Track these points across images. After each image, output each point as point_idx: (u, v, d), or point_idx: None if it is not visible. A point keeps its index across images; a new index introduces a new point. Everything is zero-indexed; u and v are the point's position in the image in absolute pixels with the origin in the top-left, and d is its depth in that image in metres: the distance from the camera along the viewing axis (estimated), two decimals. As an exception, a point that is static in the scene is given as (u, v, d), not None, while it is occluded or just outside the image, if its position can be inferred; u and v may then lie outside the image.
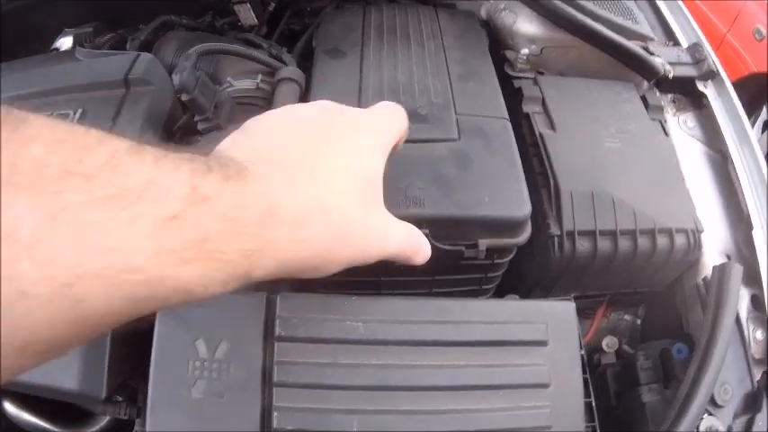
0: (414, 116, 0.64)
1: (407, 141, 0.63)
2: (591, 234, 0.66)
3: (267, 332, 0.56)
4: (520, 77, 0.79)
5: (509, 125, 0.67)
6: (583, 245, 0.66)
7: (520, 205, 0.60)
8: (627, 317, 0.84)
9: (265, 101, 0.72)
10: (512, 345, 0.58)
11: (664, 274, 0.75)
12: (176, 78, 0.64)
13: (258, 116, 0.42)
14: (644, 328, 0.83)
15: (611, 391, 0.77)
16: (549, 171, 0.67)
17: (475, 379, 0.56)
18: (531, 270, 0.70)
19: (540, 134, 0.70)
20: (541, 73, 0.82)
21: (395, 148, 0.48)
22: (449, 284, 0.68)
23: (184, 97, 0.64)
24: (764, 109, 0.79)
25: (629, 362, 0.75)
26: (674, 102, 0.86)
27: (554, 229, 0.65)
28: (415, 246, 0.49)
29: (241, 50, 0.70)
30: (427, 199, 0.58)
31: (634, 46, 0.81)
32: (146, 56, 0.72)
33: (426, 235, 0.58)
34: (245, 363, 0.56)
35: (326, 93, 0.68)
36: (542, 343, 0.59)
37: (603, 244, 0.67)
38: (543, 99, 0.74)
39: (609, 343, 0.76)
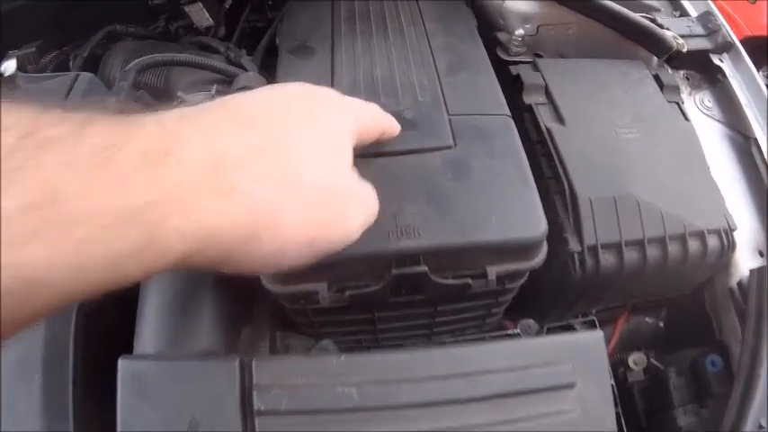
0: (399, 121, 0.50)
1: (394, 154, 0.50)
2: (615, 246, 0.53)
3: (245, 405, 0.43)
4: (516, 62, 0.65)
5: (511, 122, 0.53)
6: (607, 259, 0.53)
7: (534, 223, 0.46)
8: (648, 320, 0.72)
9: None
10: (536, 393, 0.46)
11: (693, 278, 0.62)
12: (111, 102, 0.49)
13: None
14: (668, 331, 0.71)
15: (639, 409, 0.65)
16: (562, 174, 0.54)
17: (495, 440, 0.44)
18: (548, 288, 0.58)
19: (548, 129, 0.57)
20: (539, 56, 0.68)
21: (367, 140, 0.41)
22: (452, 313, 0.55)
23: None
24: (760, 73, 0.69)
25: (660, 379, 0.63)
26: (687, 79, 0.73)
27: (573, 245, 0.52)
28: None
29: (189, 59, 0.55)
30: (423, 226, 0.45)
31: (641, 19, 0.67)
32: (84, 76, 0.57)
33: (424, 274, 0.45)
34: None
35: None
36: (570, 386, 0.47)
37: (630, 255, 0.54)
38: (546, 86, 0.60)
39: (636, 360, 0.64)
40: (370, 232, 0.44)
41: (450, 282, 0.46)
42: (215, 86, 0.58)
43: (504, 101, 0.55)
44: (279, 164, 0.29)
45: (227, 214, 0.26)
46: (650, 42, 0.68)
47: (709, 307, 0.66)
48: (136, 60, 0.53)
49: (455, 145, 0.49)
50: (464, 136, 0.50)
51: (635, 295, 0.62)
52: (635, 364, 0.63)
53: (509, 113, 0.54)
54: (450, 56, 0.58)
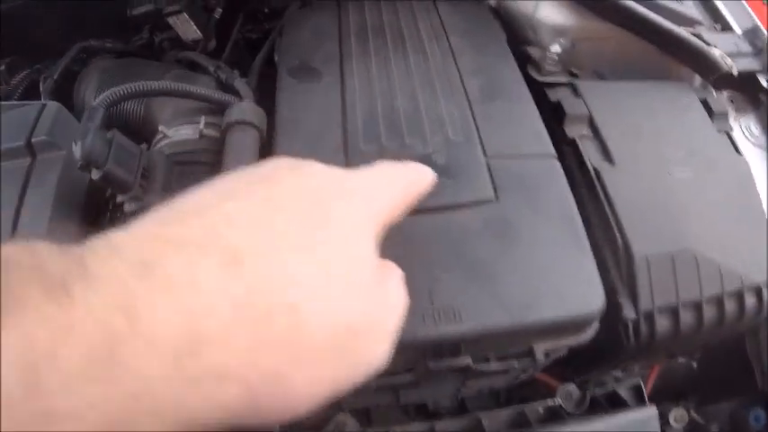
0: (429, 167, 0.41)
1: (426, 211, 0.40)
2: (671, 309, 0.46)
3: None
4: (552, 84, 0.56)
5: (558, 166, 0.44)
6: (662, 324, 0.46)
7: (592, 297, 0.38)
8: (681, 359, 0.65)
9: (214, 154, 0.46)
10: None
11: (741, 329, 0.55)
12: (77, 150, 0.39)
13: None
14: (702, 374, 0.64)
15: (676, 469, 0.59)
16: (614, 226, 0.45)
17: None
18: (592, 353, 0.50)
19: (596, 170, 0.48)
20: (574, 75, 0.59)
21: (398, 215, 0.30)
22: (485, 377, 0.47)
23: (94, 175, 0.40)
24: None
25: (701, 439, 0.57)
26: (731, 102, 0.65)
27: (628, 312, 0.44)
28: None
29: (168, 88, 0.44)
30: (464, 305, 0.36)
31: (688, 35, 0.59)
32: (51, 107, 0.47)
33: (467, 368, 0.36)
34: None
35: (295, 138, 0.44)
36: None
37: (686, 317, 0.46)
38: (591, 117, 0.51)
39: (677, 417, 0.57)
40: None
41: (494, 367, 0.38)
42: (203, 119, 0.47)
43: (548, 138, 0.46)
44: (277, 319, 0.19)
45: (215, 400, 0.18)
46: (697, 62, 0.59)
47: (752, 355, 0.60)
48: (103, 95, 0.42)
49: (497, 198, 0.40)
50: (506, 186, 0.41)
51: (680, 351, 0.55)
52: (676, 421, 0.57)
53: (554, 153, 0.45)
54: (481, 79, 0.49)
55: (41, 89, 0.58)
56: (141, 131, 0.49)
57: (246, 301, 0.19)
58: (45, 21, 0.66)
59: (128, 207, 0.42)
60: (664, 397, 0.62)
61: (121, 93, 0.42)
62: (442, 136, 0.43)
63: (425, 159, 0.41)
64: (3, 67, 0.62)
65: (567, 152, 0.50)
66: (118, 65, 0.57)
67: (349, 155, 0.42)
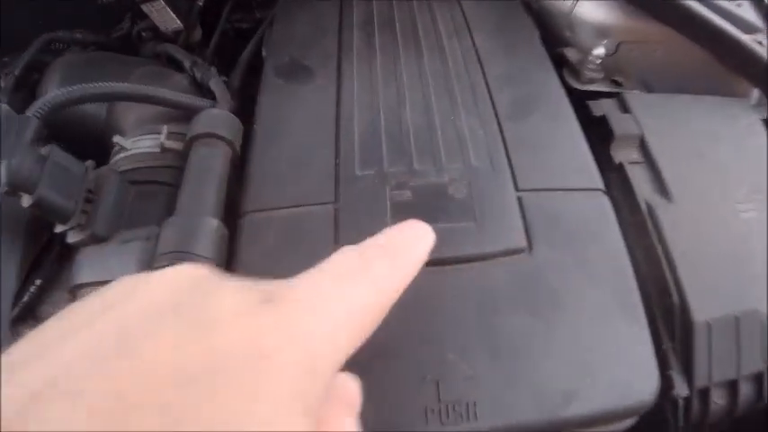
0: (443, 203, 0.32)
1: (436, 263, 0.31)
2: (730, 384, 0.37)
3: None
4: (593, 93, 0.46)
5: (608, 204, 0.35)
6: (717, 402, 0.37)
7: (644, 383, 0.30)
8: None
9: (175, 172, 0.36)
10: None
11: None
12: (2, 171, 0.30)
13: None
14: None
15: None
16: (671, 282, 0.36)
17: None
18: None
19: (649, 206, 0.38)
20: (618, 84, 0.49)
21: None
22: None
23: (24, 201, 0.31)
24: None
25: None
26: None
27: (680, 389, 0.35)
28: None
29: (121, 91, 0.34)
30: (481, 398, 0.27)
31: (752, 43, 0.49)
32: (2, 109, 0.37)
33: None
34: None
35: (275, 156, 0.34)
36: None
37: (745, 392, 0.38)
38: (643, 138, 0.42)
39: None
40: (396, 409, 0.27)
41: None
42: (165, 129, 0.37)
43: (594, 166, 0.37)
44: None
45: None
46: (759, 76, 0.49)
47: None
48: (37, 102, 0.33)
49: (530, 248, 0.31)
50: (542, 231, 0.32)
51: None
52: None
53: (603, 187, 0.36)
54: (513, 89, 0.39)
55: (1, 86, 0.48)
56: (104, 140, 0.40)
57: None
58: (16, 10, 0.57)
59: (71, 238, 0.33)
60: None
61: (60, 99, 0.33)
62: (463, 161, 0.34)
63: (440, 192, 0.32)
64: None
65: (613, 180, 0.41)
66: (85, 60, 0.47)
67: (340, 182, 0.33)
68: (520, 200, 0.33)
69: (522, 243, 0.31)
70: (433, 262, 0.30)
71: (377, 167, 0.33)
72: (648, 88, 0.52)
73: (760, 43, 0.52)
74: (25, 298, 0.35)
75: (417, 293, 0.30)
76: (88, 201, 0.33)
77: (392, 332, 0.28)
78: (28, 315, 0.37)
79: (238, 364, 0.13)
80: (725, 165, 0.43)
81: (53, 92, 0.34)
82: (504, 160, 0.35)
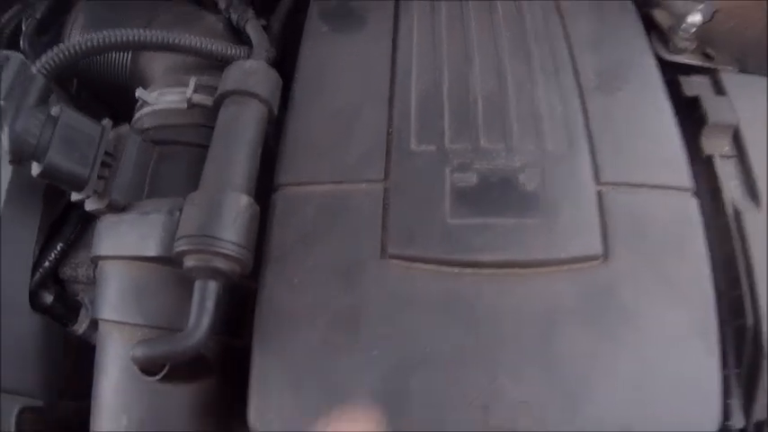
0: (511, 195, 0.25)
1: (500, 266, 0.25)
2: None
3: None
4: (684, 67, 0.36)
5: (696, 208, 0.28)
6: (772, 433, 0.31)
7: (705, 417, 0.24)
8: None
9: (204, 131, 0.29)
10: None
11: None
12: (4, 137, 0.24)
13: None
14: None
15: None
16: (749, 299, 0.29)
17: None
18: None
19: (736, 211, 0.31)
20: (710, 57, 0.40)
21: None
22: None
23: (34, 170, 0.25)
24: None
25: None
26: None
27: (736, 421, 0.29)
28: None
29: (141, 37, 0.27)
30: (531, 424, 0.22)
31: None
32: (13, 61, 0.28)
33: None
34: None
35: (316, 117, 0.27)
36: None
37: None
38: (738, 129, 0.33)
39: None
40: (439, 422, 0.22)
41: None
42: (193, 80, 0.30)
43: (685, 159, 0.29)
44: None
45: None
46: None
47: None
48: (45, 56, 0.26)
49: (605, 255, 0.24)
50: (621, 235, 0.25)
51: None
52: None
53: (693, 186, 0.28)
54: (599, 54, 0.30)
55: (23, 33, 0.40)
56: (131, 91, 0.32)
57: None
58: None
59: (88, 207, 0.27)
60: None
61: (70, 52, 0.26)
62: (538, 142, 0.26)
63: (509, 179, 0.25)
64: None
65: (699, 173, 0.33)
66: (108, 3, 0.39)
67: (392, 157, 0.26)
68: (599, 195, 0.26)
69: (598, 250, 0.25)
70: (494, 264, 0.24)
71: (437, 142, 0.26)
72: (742, 68, 0.42)
73: None
74: (46, 263, 0.31)
75: (471, 301, 0.24)
76: (105, 165, 0.26)
77: (438, 345, 0.23)
78: (49, 280, 0.32)
79: None
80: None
81: (61, 44, 0.27)
82: (586, 145, 0.27)
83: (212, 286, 0.23)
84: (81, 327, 0.33)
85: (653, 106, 0.30)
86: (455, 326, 0.23)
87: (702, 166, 0.34)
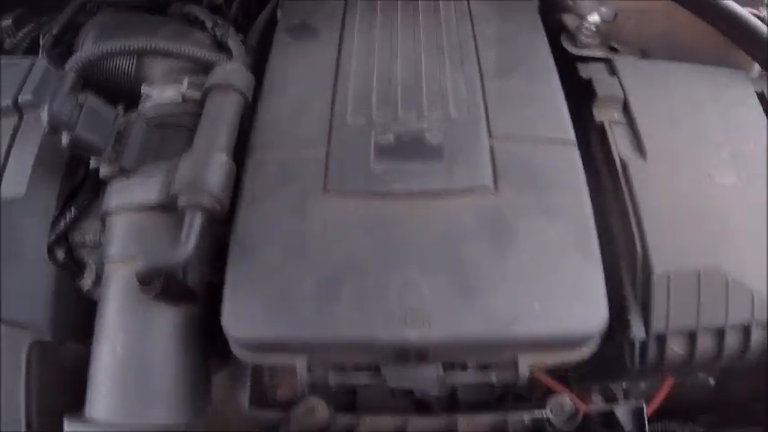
0: (419, 148, 0.32)
1: (407, 196, 0.32)
2: (688, 333, 0.36)
3: None
4: (586, 58, 0.44)
5: (576, 155, 0.34)
6: (674, 349, 0.36)
7: (592, 315, 0.30)
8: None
9: (195, 118, 0.37)
10: None
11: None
12: (44, 114, 0.33)
13: None
14: (719, 394, 0.54)
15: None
16: (635, 233, 0.35)
17: None
18: (592, 369, 0.41)
19: (623, 162, 0.37)
20: (614, 50, 0.47)
21: None
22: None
23: (64, 139, 0.34)
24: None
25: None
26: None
27: (637, 331, 0.34)
28: None
29: (143, 45, 0.37)
30: (437, 310, 0.28)
31: (748, 15, 0.45)
32: (38, 66, 0.41)
33: (430, 376, 0.29)
34: None
35: (279, 103, 0.36)
36: None
37: (704, 344, 0.36)
38: (626, 100, 0.40)
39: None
40: (361, 313, 0.28)
41: (469, 379, 0.30)
42: (186, 80, 0.39)
43: (569, 121, 0.36)
44: None
45: None
46: (757, 47, 0.45)
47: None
48: (73, 57, 0.36)
49: (496, 187, 0.31)
50: (510, 174, 0.32)
51: (694, 374, 0.45)
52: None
53: (574, 140, 0.35)
54: (501, 50, 0.38)
55: (41, 44, 0.51)
56: (133, 91, 0.42)
57: None
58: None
59: (102, 171, 0.36)
60: (671, 415, 0.52)
61: (94, 54, 0.36)
62: (442, 111, 0.34)
63: (418, 137, 0.32)
64: (10, 21, 0.55)
65: (594, 139, 0.40)
66: (116, 20, 0.50)
67: (333, 127, 0.34)
68: (492, 147, 0.33)
69: (489, 182, 0.31)
70: (403, 195, 0.31)
71: (366, 115, 0.34)
72: (646, 57, 0.49)
73: (762, 18, 0.48)
74: (62, 224, 0.38)
75: (390, 222, 0.30)
76: (118, 140, 0.35)
77: (365, 255, 0.29)
78: (62, 240, 0.39)
79: None
80: (705, 131, 0.41)
81: (87, 48, 0.36)
82: (482, 112, 0.34)
83: (198, 217, 0.30)
84: (86, 283, 0.38)
85: (543, 84, 0.37)
86: (377, 241, 0.30)
87: (596, 132, 0.41)
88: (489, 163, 0.32)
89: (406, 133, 0.33)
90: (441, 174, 0.31)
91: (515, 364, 0.31)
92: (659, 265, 0.34)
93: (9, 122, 0.39)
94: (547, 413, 0.38)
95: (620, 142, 0.39)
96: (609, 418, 0.41)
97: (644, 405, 0.39)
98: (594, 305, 0.30)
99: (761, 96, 0.46)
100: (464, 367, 0.31)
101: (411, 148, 0.32)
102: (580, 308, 0.29)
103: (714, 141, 0.41)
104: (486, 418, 0.38)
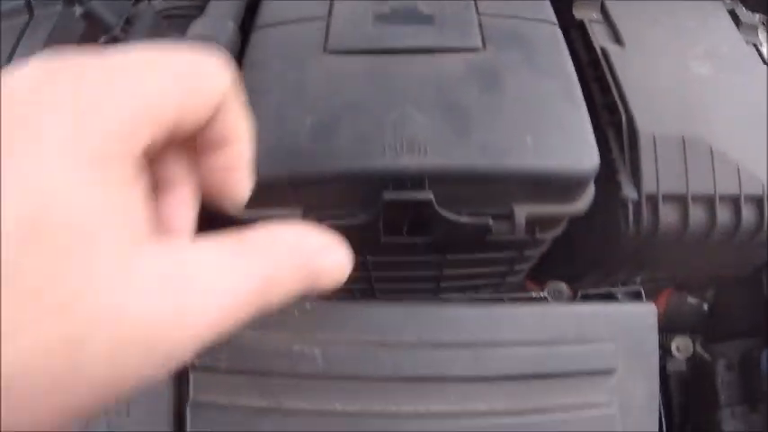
0: (413, 15, 0.34)
1: (401, 51, 0.34)
2: (680, 199, 0.36)
3: None
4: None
5: (558, 32, 0.36)
6: (668, 214, 0.36)
7: (583, 153, 0.30)
8: (691, 300, 0.54)
9: (201, 9, 0.39)
10: (563, 377, 0.30)
11: (760, 254, 0.45)
12: None
13: None
14: (713, 317, 0.54)
15: (674, 403, 0.49)
16: (618, 102, 0.37)
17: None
18: (587, 246, 0.41)
19: (603, 49, 0.39)
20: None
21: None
22: (465, 266, 0.39)
23: (77, 11, 0.36)
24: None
25: (705, 372, 0.46)
26: (763, 24, 0.54)
27: (628, 191, 0.35)
28: (296, 264, 0.14)
29: None
30: (432, 140, 0.29)
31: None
32: None
33: (428, 204, 0.29)
34: (149, 401, 0.29)
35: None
36: (609, 371, 0.31)
37: (696, 214, 0.37)
38: (603, 2, 0.43)
39: (680, 346, 0.47)
40: (358, 145, 0.29)
41: (465, 220, 0.30)
42: None
43: (550, 7, 0.38)
44: None
45: None
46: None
47: (769, 293, 0.49)
48: None
49: (484, 47, 0.33)
50: (497, 39, 0.34)
51: (690, 267, 0.45)
52: (678, 350, 0.47)
53: (555, 21, 0.37)
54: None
55: None
56: None
57: None
58: None
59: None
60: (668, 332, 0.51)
61: None
62: (435, -7, 0.36)
63: (411, 7, 0.35)
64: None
65: (576, 37, 0.42)
66: None
67: (334, 2, 0.36)
68: (480, 19, 0.35)
69: (478, 43, 0.33)
70: (399, 50, 0.33)
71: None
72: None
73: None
74: None
75: (386, 72, 0.32)
76: (128, 22, 0.37)
77: (360, 97, 0.31)
78: None
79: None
80: (681, 31, 0.44)
81: None
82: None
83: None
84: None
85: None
86: (375, 87, 0.31)
87: (578, 30, 0.43)
88: (478, 31, 0.34)
89: (401, 5, 0.35)
90: (433, 35, 0.33)
91: (512, 212, 0.31)
92: (644, 128, 0.36)
93: (20, 20, 0.42)
94: (545, 295, 0.38)
95: (599, 36, 0.41)
96: (608, 299, 0.40)
97: (641, 288, 0.39)
98: (586, 147, 0.30)
99: (731, 13, 0.49)
100: (459, 212, 0.31)
101: (406, 15, 0.34)
102: (572, 147, 0.30)
103: (690, 39, 0.43)
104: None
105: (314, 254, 0.15)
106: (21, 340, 0.10)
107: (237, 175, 0.16)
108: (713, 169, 0.37)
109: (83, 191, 0.12)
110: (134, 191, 0.13)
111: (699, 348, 0.47)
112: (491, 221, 0.31)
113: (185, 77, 0.14)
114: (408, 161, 0.28)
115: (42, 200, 0.11)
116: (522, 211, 0.31)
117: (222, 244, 0.13)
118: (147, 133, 0.13)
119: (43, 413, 0.11)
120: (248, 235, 0.14)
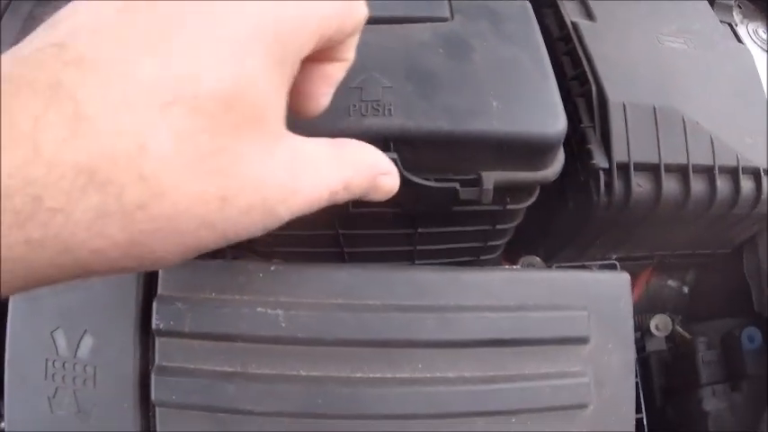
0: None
1: (370, 22, 0.33)
2: (652, 169, 0.36)
3: (143, 322, 0.29)
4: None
5: (529, 7, 0.36)
6: (640, 184, 0.36)
7: (550, 117, 0.30)
8: (671, 282, 0.54)
9: None
10: (533, 343, 0.30)
11: (738, 231, 0.44)
12: None
13: None
14: (694, 299, 0.53)
15: (655, 386, 0.48)
16: (589, 73, 0.37)
17: (471, 401, 0.28)
18: (561, 221, 0.41)
19: (573, 24, 0.39)
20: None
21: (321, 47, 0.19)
22: (437, 241, 0.38)
23: None
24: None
25: (686, 351, 0.45)
26: (739, 7, 0.54)
27: (599, 160, 0.35)
28: (366, 175, 0.20)
29: None
30: (397, 103, 0.28)
31: None
32: None
33: (394, 161, 0.29)
34: (114, 367, 0.28)
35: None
36: (582, 340, 0.31)
37: (670, 185, 0.37)
38: (574, -18, 0.43)
39: (660, 324, 0.46)
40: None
41: (431, 184, 0.30)
42: None
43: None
44: (128, 189, 0.13)
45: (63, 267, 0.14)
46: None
47: (749, 272, 0.48)
48: None
49: (452, 18, 0.33)
50: (465, 11, 0.34)
51: (667, 244, 0.44)
52: (657, 329, 0.46)
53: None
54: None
55: None
56: None
57: (89, 168, 0.13)
58: None
59: None
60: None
61: None
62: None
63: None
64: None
65: (547, 14, 0.42)
66: None
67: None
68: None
69: (445, 13, 0.33)
70: (372, 20, 0.33)
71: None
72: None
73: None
74: None
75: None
76: None
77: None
78: None
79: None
80: (654, 9, 0.44)
81: None
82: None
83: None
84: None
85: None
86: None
87: (551, 9, 0.43)
88: (447, 3, 0.34)
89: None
90: (402, 6, 0.33)
91: (479, 179, 0.31)
92: (614, 97, 0.35)
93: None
94: (516, 268, 0.38)
95: (571, 12, 0.41)
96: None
97: (617, 262, 0.39)
98: (552, 111, 0.30)
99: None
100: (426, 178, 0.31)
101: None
102: (538, 112, 0.30)
103: (662, 17, 0.43)
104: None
105: (380, 173, 0.20)
106: (184, 188, 0.14)
107: (328, 88, 0.21)
108: (686, 139, 0.37)
109: (265, 76, 0.15)
110: (288, 85, 0.17)
111: (678, 327, 0.47)
112: (458, 186, 0.30)
113: (347, 6, 0.18)
114: (372, 122, 0.28)
115: (237, 79, 0.14)
116: (490, 177, 0.31)
117: (325, 145, 0.19)
118: (313, 44, 0.17)
119: (184, 245, 0.15)
120: (343, 143, 0.20)
